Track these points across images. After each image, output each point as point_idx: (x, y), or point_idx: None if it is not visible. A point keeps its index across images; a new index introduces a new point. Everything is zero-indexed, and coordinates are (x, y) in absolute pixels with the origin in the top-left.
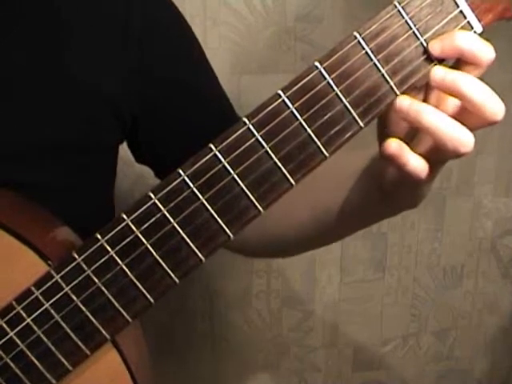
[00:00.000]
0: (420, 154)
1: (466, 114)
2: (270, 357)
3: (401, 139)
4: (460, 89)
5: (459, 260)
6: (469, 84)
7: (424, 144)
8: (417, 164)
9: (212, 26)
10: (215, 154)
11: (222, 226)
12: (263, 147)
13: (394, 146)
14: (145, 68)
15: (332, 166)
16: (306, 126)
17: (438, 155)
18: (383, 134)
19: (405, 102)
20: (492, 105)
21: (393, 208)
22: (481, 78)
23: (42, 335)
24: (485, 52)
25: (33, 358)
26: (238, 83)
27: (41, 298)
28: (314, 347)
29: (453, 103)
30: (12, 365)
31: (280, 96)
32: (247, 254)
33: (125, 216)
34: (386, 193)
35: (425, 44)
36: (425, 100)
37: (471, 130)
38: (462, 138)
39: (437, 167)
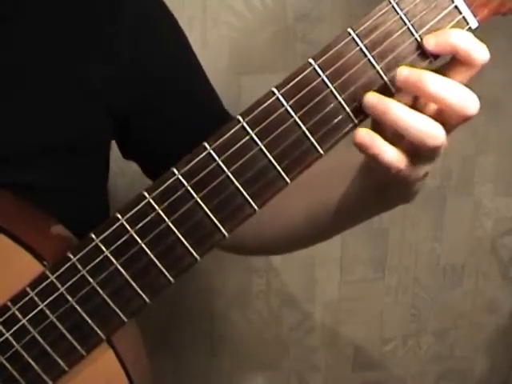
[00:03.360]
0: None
1: (439, 114)
2: (270, 357)
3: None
4: (423, 88)
5: (459, 260)
6: (432, 81)
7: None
8: (390, 155)
9: (212, 26)
10: (209, 153)
11: (216, 225)
12: (258, 145)
13: (363, 134)
14: (137, 67)
15: (328, 163)
16: (300, 124)
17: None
18: (376, 130)
19: (404, 72)
20: (461, 101)
21: (387, 203)
22: (476, 77)
23: (37, 336)
24: (479, 52)
25: (29, 359)
26: (238, 83)
27: (36, 298)
28: (313, 347)
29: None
30: (8, 366)
31: (274, 93)
32: (242, 252)
33: (119, 215)
34: (378, 187)
35: (419, 40)
36: (414, 102)
37: (453, 126)
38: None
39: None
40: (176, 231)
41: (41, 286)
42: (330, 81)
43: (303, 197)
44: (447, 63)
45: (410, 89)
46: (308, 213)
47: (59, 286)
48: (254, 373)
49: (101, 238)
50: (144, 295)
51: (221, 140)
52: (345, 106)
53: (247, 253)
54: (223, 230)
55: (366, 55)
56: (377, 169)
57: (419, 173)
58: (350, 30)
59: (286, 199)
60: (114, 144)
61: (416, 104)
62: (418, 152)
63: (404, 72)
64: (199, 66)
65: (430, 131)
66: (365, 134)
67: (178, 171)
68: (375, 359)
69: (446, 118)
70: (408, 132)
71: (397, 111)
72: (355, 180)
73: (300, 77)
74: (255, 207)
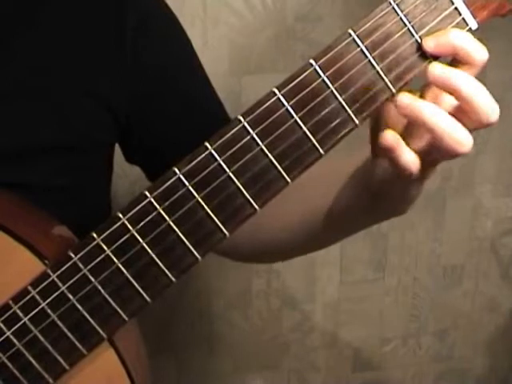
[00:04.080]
0: (415, 152)
1: (460, 115)
2: (270, 357)
3: None
4: (457, 86)
5: (459, 260)
6: (467, 82)
7: (420, 142)
8: (410, 158)
9: (212, 26)
10: (211, 153)
11: (217, 225)
12: (258, 145)
13: (391, 137)
14: (139, 67)
15: (323, 170)
16: (301, 124)
17: (435, 154)
18: (376, 131)
19: (405, 99)
20: (487, 106)
21: (381, 212)
22: (478, 78)
23: (38, 334)
24: (479, 51)
25: (30, 358)
26: (238, 83)
27: (37, 297)
28: (314, 347)
29: (448, 103)
30: (9, 364)
31: (275, 94)
32: (237, 258)
33: (120, 215)
34: (374, 194)
35: (419, 41)
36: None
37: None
38: (461, 137)
39: (428, 169)
40: (177, 230)
41: (42, 285)
42: (330, 81)
43: (299, 202)
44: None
45: (443, 85)
46: (303, 219)
47: (60, 284)
48: (253, 373)
49: (102, 237)
50: (145, 295)
51: (222, 140)
52: (345, 106)
53: (243, 259)
54: (224, 230)
55: (366, 56)
56: (376, 171)
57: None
58: (350, 30)
59: (281, 205)
60: (117, 146)
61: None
62: (439, 156)
63: (438, 67)
64: (201, 67)
65: (461, 138)
66: (392, 138)
67: (180, 171)
68: (375, 359)
69: (466, 122)
70: (440, 136)
71: (430, 114)
72: (351, 185)
73: (301, 77)
74: (256, 207)
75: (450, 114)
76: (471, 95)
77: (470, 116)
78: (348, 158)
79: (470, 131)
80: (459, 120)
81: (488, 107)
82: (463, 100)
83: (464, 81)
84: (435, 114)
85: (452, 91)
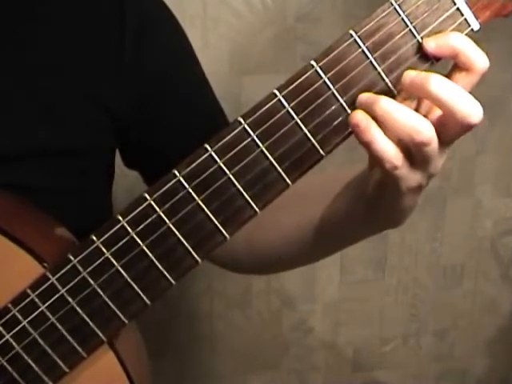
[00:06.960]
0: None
1: (441, 119)
2: (270, 357)
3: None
4: (428, 89)
5: (459, 260)
6: (437, 84)
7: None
8: (384, 145)
9: (212, 26)
10: (211, 155)
11: (218, 227)
12: (259, 147)
13: (360, 117)
14: (139, 68)
15: (321, 179)
16: (301, 126)
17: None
18: None
19: (409, 74)
20: (464, 106)
21: (377, 222)
22: (479, 82)
23: (38, 337)
24: (479, 57)
25: (29, 361)
26: (238, 83)
27: (37, 300)
28: (313, 347)
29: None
30: (9, 367)
31: (276, 95)
32: (236, 269)
33: (120, 217)
34: (370, 201)
35: (421, 42)
36: (417, 109)
37: (453, 136)
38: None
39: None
40: (177, 233)
41: (41, 288)
42: (331, 83)
43: (296, 211)
44: (448, 72)
45: (415, 91)
46: (299, 227)
47: (60, 287)
48: (254, 373)
49: (102, 239)
50: (145, 297)
51: (222, 142)
52: (346, 108)
53: (242, 270)
54: (224, 233)
55: (367, 57)
56: (373, 176)
57: (413, 179)
58: (351, 31)
59: (278, 213)
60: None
61: (418, 111)
62: (409, 151)
63: (410, 74)
64: (200, 68)
65: (416, 125)
66: (362, 117)
67: (179, 173)
68: (375, 359)
69: (447, 124)
70: (394, 125)
71: (385, 104)
72: (348, 192)
73: (302, 79)
74: (256, 209)
75: (432, 120)
76: (444, 96)
77: (449, 119)
78: (347, 169)
79: (456, 136)
80: (442, 125)
81: (465, 109)
82: (437, 102)
83: (435, 83)
84: (442, 85)
85: (425, 96)
